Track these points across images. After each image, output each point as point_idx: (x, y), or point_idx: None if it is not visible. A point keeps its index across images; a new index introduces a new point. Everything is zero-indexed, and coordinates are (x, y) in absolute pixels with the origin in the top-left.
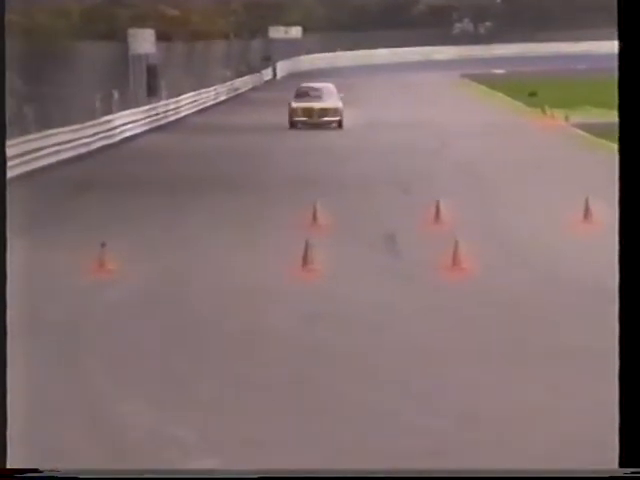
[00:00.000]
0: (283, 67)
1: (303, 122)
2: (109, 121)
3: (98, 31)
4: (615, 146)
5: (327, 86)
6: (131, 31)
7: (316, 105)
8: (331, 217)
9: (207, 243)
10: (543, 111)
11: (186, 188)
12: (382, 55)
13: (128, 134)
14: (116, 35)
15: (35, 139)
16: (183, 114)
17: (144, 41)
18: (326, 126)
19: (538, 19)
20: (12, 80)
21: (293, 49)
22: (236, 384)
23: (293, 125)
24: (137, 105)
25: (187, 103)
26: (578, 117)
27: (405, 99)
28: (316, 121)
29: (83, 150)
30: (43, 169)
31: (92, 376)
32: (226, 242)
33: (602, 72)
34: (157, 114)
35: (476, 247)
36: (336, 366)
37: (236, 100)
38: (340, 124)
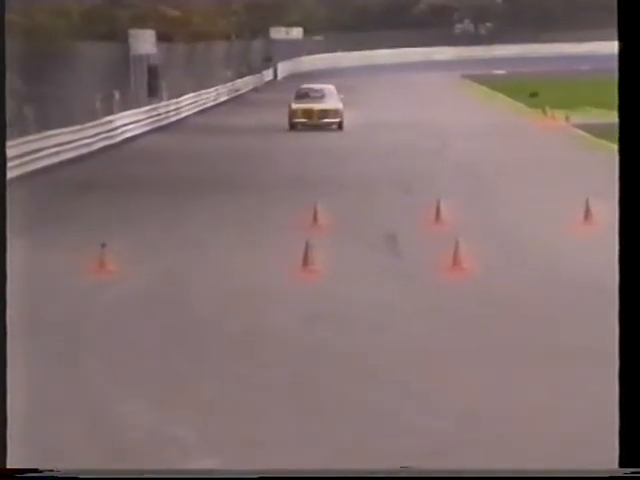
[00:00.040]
0: (284, 68)
1: (303, 123)
2: (110, 122)
3: (99, 31)
4: (615, 147)
5: (327, 87)
6: (132, 32)
7: (316, 106)
8: (331, 217)
9: (208, 243)
10: (544, 112)
11: (187, 188)
12: (383, 56)
13: (129, 135)
14: (117, 36)
15: (35, 140)
16: (184, 115)
17: (145, 42)
18: (326, 127)
19: (539, 19)
20: (13, 81)
21: (294, 50)
22: (236, 384)
23: (293, 127)
24: (138, 106)
25: (188, 104)
26: (579, 118)
27: (406, 100)
28: (316, 122)
29: (84, 151)
30: (44, 170)
31: (92, 376)
32: (227, 242)
33: (604, 73)
34: (158, 115)
35: (477, 247)
36: (337, 366)
37: (237, 101)
38: (340, 125)
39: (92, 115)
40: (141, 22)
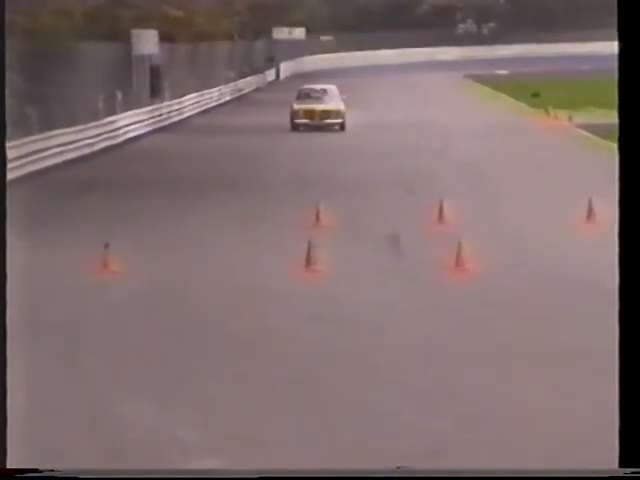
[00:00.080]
0: (286, 68)
1: (305, 124)
2: (112, 122)
3: (101, 32)
4: None
5: (329, 88)
6: (134, 32)
7: (318, 107)
8: (334, 218)
9: (210, 244)
10: (546, 112)
11: (189, 189)
12: (386, 56)
13: (131, 135)
14: (119, 36)
15: (38, 140)
16: (186, 115)
17: (147, 42)
18: (328, 128)
19: (542, 20)
20: (16, 81)
21: (297, 50)
22: (238, 384)
23: (295, 127)
24: (140, 106)
25: (190, 104)
26: (582, 118)
27: (409, 100)
28: (318, 123)
29: (86, 151)
30: (47, 170)
31: (94, 376)
32: (229, 243)
33: (606, 73)
34: (160, 115)
35: (479, 247)
36: (339, 366)
37: (239, 101)
38: (342, 126)
39: (95, 115)
40: (144, 22)
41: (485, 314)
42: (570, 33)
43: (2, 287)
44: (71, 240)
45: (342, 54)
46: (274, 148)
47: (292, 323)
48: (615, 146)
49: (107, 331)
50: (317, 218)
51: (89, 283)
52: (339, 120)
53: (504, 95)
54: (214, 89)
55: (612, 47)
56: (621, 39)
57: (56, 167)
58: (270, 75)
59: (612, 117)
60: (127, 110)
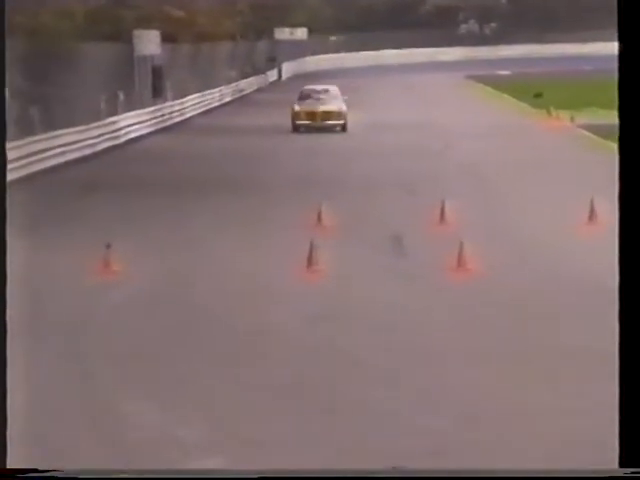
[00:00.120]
0: (288, 68)
1: (306, 125)
2: (114, 122)
3: (103, 32)
4: None
5: (331, 88)
6: (136, 32)
7: (319, 108)
8: (336, 218)
9: (212, 244)
10: (548, 112)
11: (191, 189)
12: (388, 56)
13: (133, 135)
14: (121, 36)
15: (41, 140)
16: (188, 115)
17: (149, 42)
18: (330, 129)
19: (544, 20)
20: (18, 81)
21: (299, 50)
22: (239, 384)
23: (296, 128)
24: (142, 106)
25: (192, 104)
26: (584, 118)
27: (410, 100)
28: (319, 124)
29: (88, 151)
30: (49, 170)
31: (94, 376)
32: (231, 243)
33: (608, 73)
34: (162, 115)
35: (481, 248)
36: (339, 366)
37: (241, 101)
38: (344, 127)
39: (97, 116)
40: (145, 23)
41: (486, 314)
42: (572, 34)
43: (2, 287)
44: (73, 240)
45: (344, 54)
46: (276, 149)
47: (293, 323)
48: (615, 145)
49: (108, 331)
50: (319, 218)
51: (90, 283)
52: (341, 121)
53: (506, 95)
54: (216, 89)
55: (614, 48)
56: (621, 40)
57: (58, 167)
58: (272, 75)
59: (614, 118)
60: (129, 110)
